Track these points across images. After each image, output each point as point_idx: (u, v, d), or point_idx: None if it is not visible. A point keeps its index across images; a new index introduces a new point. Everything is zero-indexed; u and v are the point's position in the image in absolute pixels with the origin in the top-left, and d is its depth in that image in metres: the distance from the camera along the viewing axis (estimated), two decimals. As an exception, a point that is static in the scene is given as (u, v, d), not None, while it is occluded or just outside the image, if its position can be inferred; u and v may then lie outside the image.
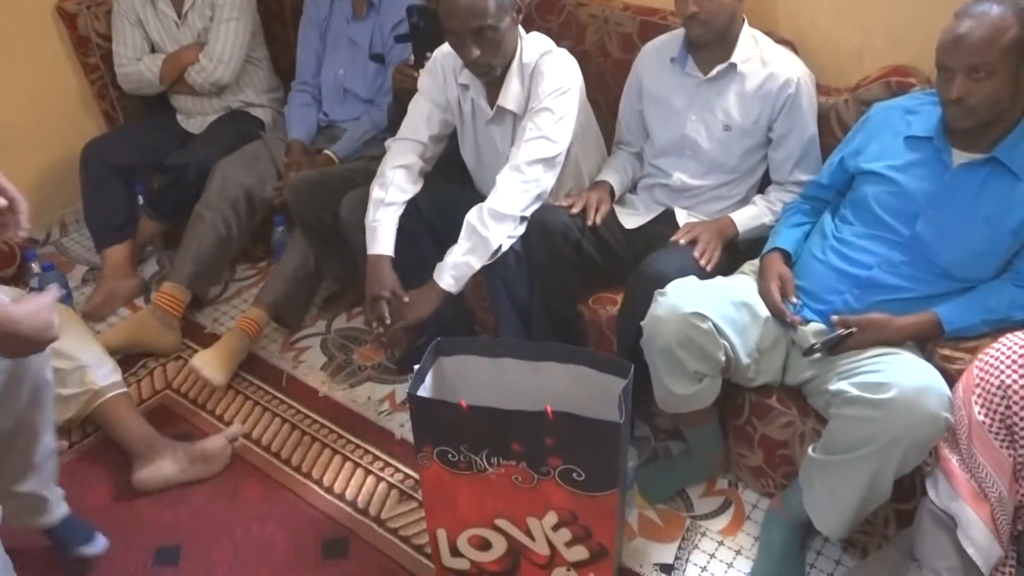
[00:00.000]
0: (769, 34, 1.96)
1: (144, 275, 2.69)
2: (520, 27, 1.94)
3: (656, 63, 2.01)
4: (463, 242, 1.83)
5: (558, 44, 2.03)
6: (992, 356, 1.30)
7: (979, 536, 1.28)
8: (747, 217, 1.95)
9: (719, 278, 1.77)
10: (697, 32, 1.82)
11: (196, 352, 2.24)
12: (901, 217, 1.66)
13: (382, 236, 1.94)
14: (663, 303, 1.61)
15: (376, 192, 1.98)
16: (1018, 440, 1.26)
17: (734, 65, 1.88)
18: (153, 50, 2.64)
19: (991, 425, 1.28)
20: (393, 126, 2.15)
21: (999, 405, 1.27)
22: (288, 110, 2.71)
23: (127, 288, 2.58)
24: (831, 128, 1.96)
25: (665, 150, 2.03)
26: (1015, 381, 1.25)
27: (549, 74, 1.88)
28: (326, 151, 2.54)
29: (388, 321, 1.88)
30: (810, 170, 1.93)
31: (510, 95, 1.92)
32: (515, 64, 1.91)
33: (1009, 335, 1.32)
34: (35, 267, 2.37)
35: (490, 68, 1.85)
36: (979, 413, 1.29)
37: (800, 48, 2.00)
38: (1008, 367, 1.26)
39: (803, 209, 1.90)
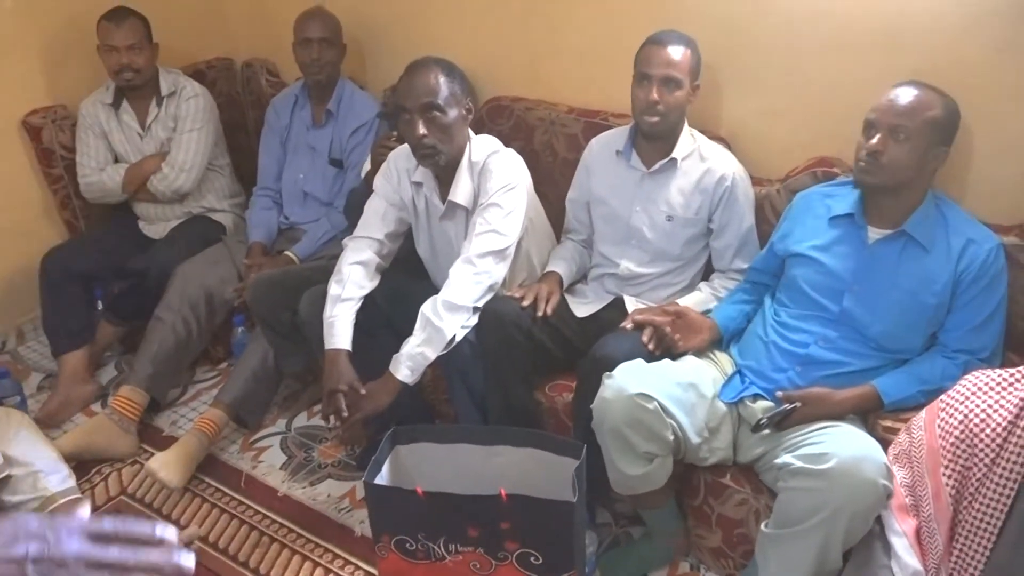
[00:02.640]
0: (705, 132, 2.10)
1: (102, 381, 2.68)
2: (470, 129, 2.06)
3: (603, 156, 2.14)
4: (418, 333, 1.88)
5: (509, 145, 2.15)
6: (956, 391, 1.35)
7: (899, 547, 1.32)
8: (693, 303, 2.03)
9: (666, 360, 1.83)
10: (651, 121, 1.95)
11: (153, 455, 2.21)
12: (829, 295, 1.76)
13: (339, 331, 1.98)
14: (610, 385, 1.66)
15: (333, 288, 2.03)
16: (966, 488, 1.29)
17: (675, 160, 2.01)
18: (116, 160, 2.71)
19: (947, 466, 1.30)
20: (357, 210, 2.22)
21: (959, 443, 1.29)
22: (249, 214, 2.79)
23: (83, 394, 2.57)
24: (766, 216, 2.08)
25: (612, 239, 2.13)
26: (976, 406, 1.29)
27: (497, 172, 1.98)
28: (287, 252, 2.61)
29: (345, 415, 1.89)
30: (749, 258, 2.03)
31: (460, 191, 2.01)
32: (465, 162, 2.02)
33: (973, 372, 1.37)
34: (-10, 374, 2.36)
35: (435, 151, 1.93)
36: (939, 437, 1.32)
37: (734, 144, 2.15)
38: (968, 398, 1.31)
39: (744, 288, 2.01)
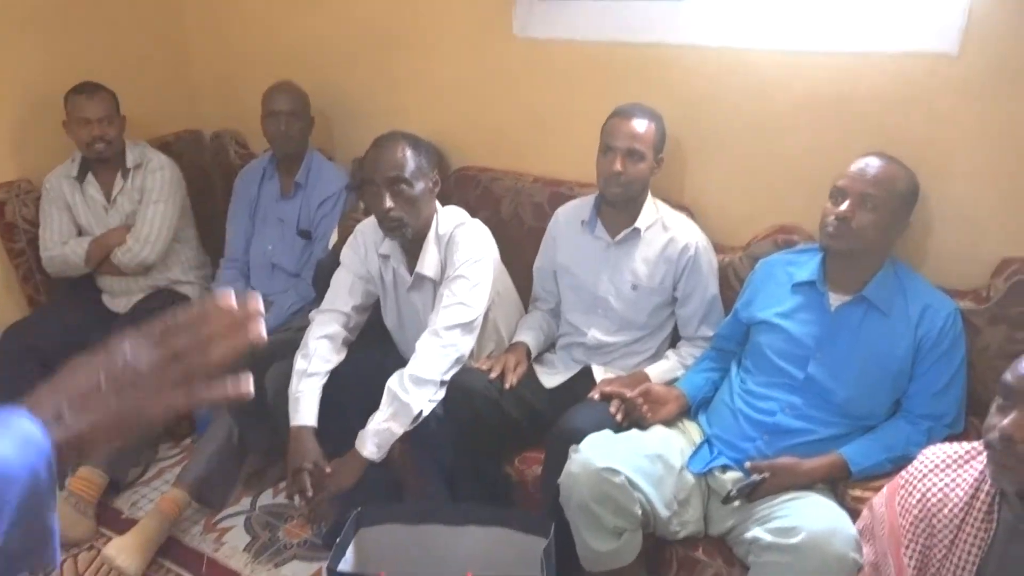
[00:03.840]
0: (668, 201, 2.14)
1: (61, 460, 2.60)
2: (437, 202, 2.07)
3: (568, 227, 2.15)
4: (384, 408, 1.85)
5: (476, 214, 2.16)
6: (915, 467, 1.35)
7: None
8: (661, 371, 2.03)
9: (634, 431, 1.81)
10: (615, 191, 1.97)
11: (111, 540, 2.13)
12: (794, 361, 1.77)
13: (304, 407, 1.95)
14: (576, 460, 1.64)
15: (299, 363, 2.00)
16: (928, 568, 1.28)
17: (638, 230, 2.03)
18: (80, 234, 2.69)
19: (907, 546, 1.29)
20: (324, 281, 2.21)
21: (919, 522, 1.28)
22: (216, 286, 2.76)
23: (41, 474, 2.48)
24: (730, 282, 2.10)
25: (579, 308, 2.13)
26: (934, 484, 1.29)
27: (463, 244, 1.99)
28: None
29: (310, 494, 1.85)
30: (715, 326, 2.04)
31: (427, 262, 2.02)
32: (432, 234, 2.02)
33: (930, 447, 1.37)
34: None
35: (401, 224, 1.94)
36: (899, 515, 1.32)
37: (697, 213, 2.18)
38: (925, 476, 1.31)
39: (711, 356, 2.02)
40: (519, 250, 2.42)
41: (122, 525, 2.29)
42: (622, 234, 2.05)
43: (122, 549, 2.05)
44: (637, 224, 2.03)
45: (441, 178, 2.03)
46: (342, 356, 2.07)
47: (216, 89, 3.17)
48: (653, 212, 2.06)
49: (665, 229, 2.05)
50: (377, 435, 1.84)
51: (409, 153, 1.93)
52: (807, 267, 1.83)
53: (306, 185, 2.68)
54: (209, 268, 2.92)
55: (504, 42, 2.39)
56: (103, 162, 2.64)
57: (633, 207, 2.04)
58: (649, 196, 2.07)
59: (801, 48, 1.95)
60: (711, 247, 2.08)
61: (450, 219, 2.05)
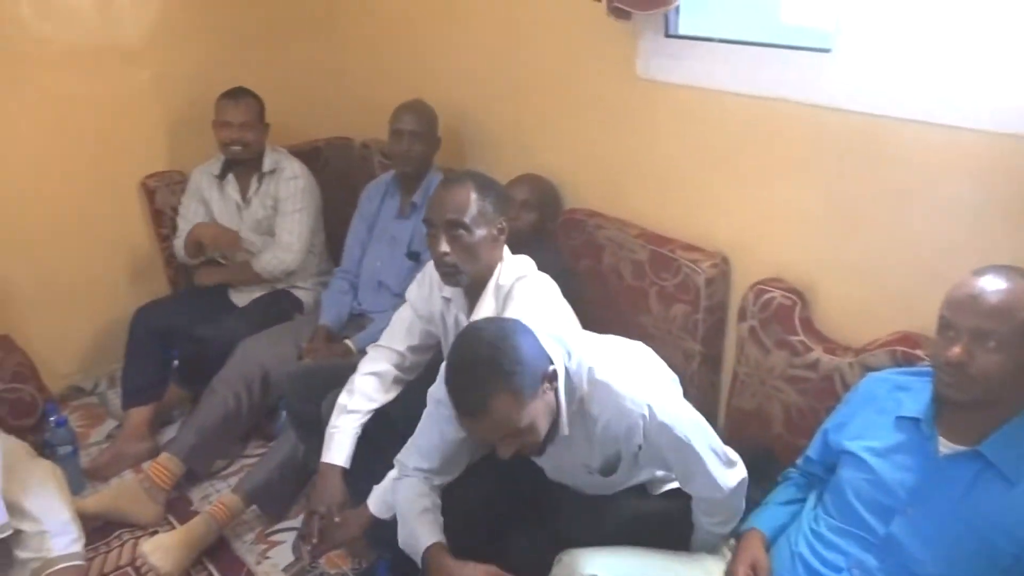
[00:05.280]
0: (780, 282, 1.82)
1: (162, 441, 2.74)
2: (506, 249, 1.91)
3: None
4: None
5: (579, 262, 1.97)
6: None
7: None
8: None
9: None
10: None
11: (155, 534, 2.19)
12: (877, 512, 1.42)
13: (336, 445, 1.88)
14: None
15: (342, 397, 1.94)
16: None
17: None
18: (215, 229, 2.83)
19: None
20: None
21: None
22: (325, 294, 2.79)
23: (138, 451, 2.63)
24: (834, 390, 1.74)
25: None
26: None
27: (518, 299, 1.81)
28: (347, 340, 2.56)
29: (315, 541, 1.77)
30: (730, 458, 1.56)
31: (483, 312, 1.86)
32: (492, 283, 1.87)
33: None
34: (52, 420, 2.48)
35: (456, 270, 1.80)
36: None
37: (808, 300, 1.84)
38: None
39: (798, 482, 1.68)
40: (614, 307, 2.20)
41: (188, 517, 2.35)
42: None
43: (158, 547, 2.09)
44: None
45: (505, 225, 1.86)
46: (390, 396, 1.97)
47: (366, 100, 3.22)
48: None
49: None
50: (386, 493, 1.71)
51: (474, 196, 1.78)
52: (919, 398, 1.45)
53: (421, 206, 2.62)
54: (329, 276, 2.95)
55: (627, 82, 2.17)
56: (242, 163, 2.75)
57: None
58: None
59: (961, 122, 1.57)
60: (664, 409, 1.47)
61: (513, 271, 1.87)
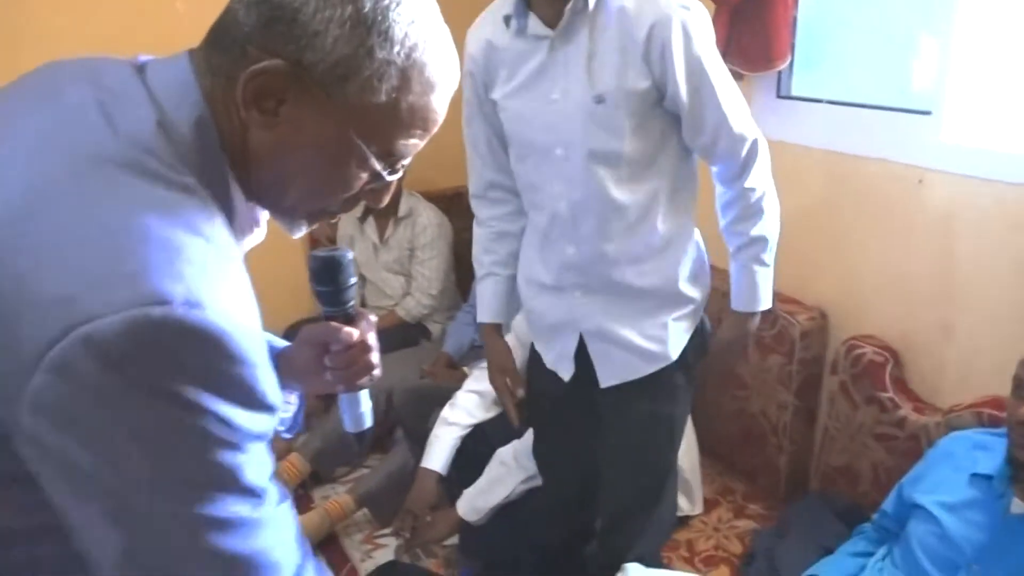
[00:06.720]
0: (871, 338, 1.84)
1: (298, 442, 3.02)
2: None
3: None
4: (487, 474, 1.87)
5: None
6: None
7: None
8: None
9: None
10: None
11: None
12: (944, 568, 1.42)
13: (435, 451, 2.06)
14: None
15: (444, 410, 2.12)
16: None
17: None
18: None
19: None
20: None
21: None
22: (451, 325, 3.01)
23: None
24: (919, 450, 1.73)
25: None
26: None
27: None
28: (465, 368, 2.76)
29: (407, 535, 1.94)
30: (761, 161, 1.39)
31: None
32: None
33: None
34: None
35: None
36: None
37: (902, 358, 1.85)
38: None
39: (870, 536, 1.68)
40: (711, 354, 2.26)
41: (307, 512, 2.60)
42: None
43: (275, 532, 2.32)
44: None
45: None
46: (490, 414, 2.14)
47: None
48: None
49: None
50: (474, 498, 1.86)
51: None
52: (995, 456, 1.44)
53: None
54: (456, 311, 3.19)
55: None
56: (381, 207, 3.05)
57: None
58: None
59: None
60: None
61: None
